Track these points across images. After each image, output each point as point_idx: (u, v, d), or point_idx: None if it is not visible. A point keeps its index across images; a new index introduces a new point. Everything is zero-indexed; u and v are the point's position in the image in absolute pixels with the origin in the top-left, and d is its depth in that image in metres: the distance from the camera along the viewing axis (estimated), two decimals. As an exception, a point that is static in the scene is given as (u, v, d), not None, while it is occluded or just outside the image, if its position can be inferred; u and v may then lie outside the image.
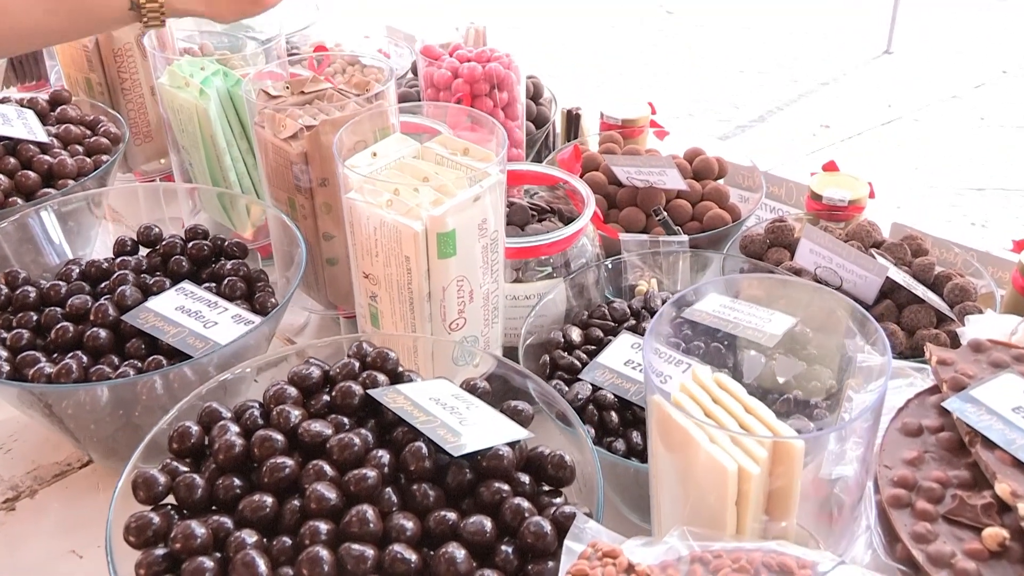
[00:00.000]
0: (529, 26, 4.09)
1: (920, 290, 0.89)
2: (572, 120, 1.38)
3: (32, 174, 0.96)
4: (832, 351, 0.73)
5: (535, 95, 1.35)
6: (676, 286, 0.95)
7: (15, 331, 0.80)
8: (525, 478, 0.60)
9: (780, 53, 3.90)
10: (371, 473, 0.57)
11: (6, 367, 0.76)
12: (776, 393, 0.74)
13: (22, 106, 1.06)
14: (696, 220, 1.11)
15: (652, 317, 0.89)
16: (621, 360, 0.82)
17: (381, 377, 0.65)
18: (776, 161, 2.85)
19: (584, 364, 0.83)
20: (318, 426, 0.60)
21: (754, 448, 0.52)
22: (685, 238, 0.96)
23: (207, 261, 0.88)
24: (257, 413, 0.63)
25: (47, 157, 0.98)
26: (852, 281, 0.91)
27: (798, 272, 0.95)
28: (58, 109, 1.08)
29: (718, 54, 3.91)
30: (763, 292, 0.80)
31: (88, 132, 1.06)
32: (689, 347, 0.78)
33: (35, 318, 0.81)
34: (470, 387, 0.67)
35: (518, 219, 0.95)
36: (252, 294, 0.85)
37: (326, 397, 0.64)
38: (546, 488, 0.63)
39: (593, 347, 0.86)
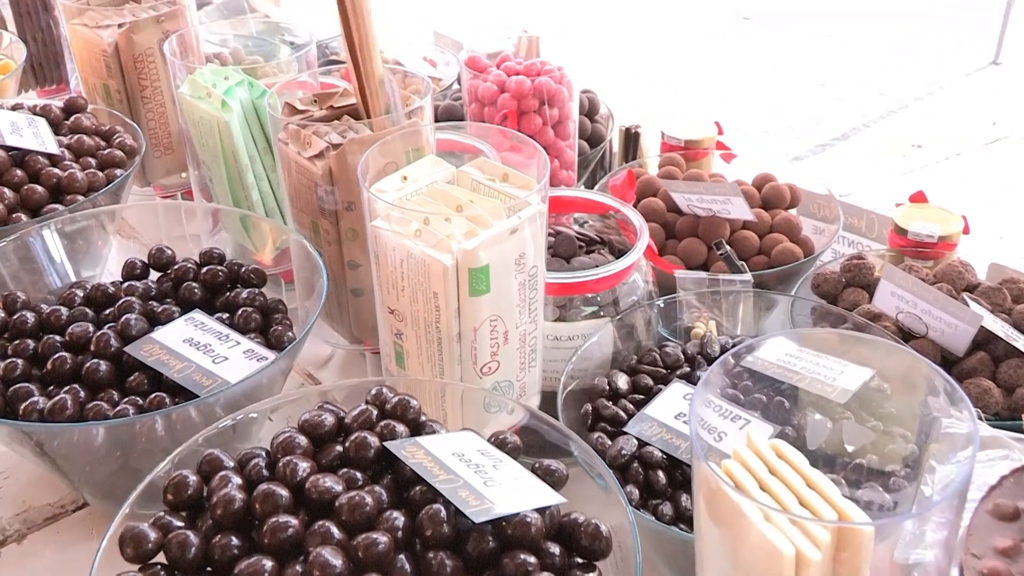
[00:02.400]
0: (587, 34, 4.10)
1: (1021, 342, 0.85)
2: (630, 139, 1.37)
3: (39, 188, 0.98)
4: (913, 411, 0.70)
5: (590, 111, 1.34)
6: (737, 329, 0.93)
7: (9, 360, 0.80)
8: (555, 549, 0.59)
9: (867, 63, 3.84)
10: (382, 538, 0.55)
11: (-3, 400, 0.77)
12: (846, 458, 0.72)
13: (35, 114, 1.08)
14: (763, 254, 1.08)
15: (709, 364, 0.87)
16: (672, 412, 0.80)
17: (400, 428, 0.64)
18: (860, 184, 2.80)
19: (630, 415, 0.81)
20: (327, 481, 0.59)
21: (816, 530, 0.49)
22: (749, 277, 0.94)
23: (221, 288, 0.88)
24: (263, 463, 0.62)
25: (56, 170, 1.00)
26: (940, 330, 0.88)
27: (877, 317, 0.92)
28: (72, 118, 1.09)
29: (797, 65, 3.87)
30: (836, 338, 0.77)
31: (102, 143, 1.07)
32: (748, 400, 0.76)
33: (32, 346, 0.82)
34: (499, 442, 0.65)
35: (564, 250, 0.93)
36: (268, 326, 0.85)
37: (339, 448, 0.63)
38: (579, 561, 0.61)
39: (641, 396, 0.84)
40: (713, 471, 0.52)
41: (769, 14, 4.43)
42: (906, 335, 0.90)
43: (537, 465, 0.64)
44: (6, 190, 0.96)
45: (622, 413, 0.81)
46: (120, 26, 1.11)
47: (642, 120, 1.40)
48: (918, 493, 0.61)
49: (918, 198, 1.07)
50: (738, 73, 3.81)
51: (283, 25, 1.41)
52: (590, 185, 1.33)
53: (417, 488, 0.60)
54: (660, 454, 0.76)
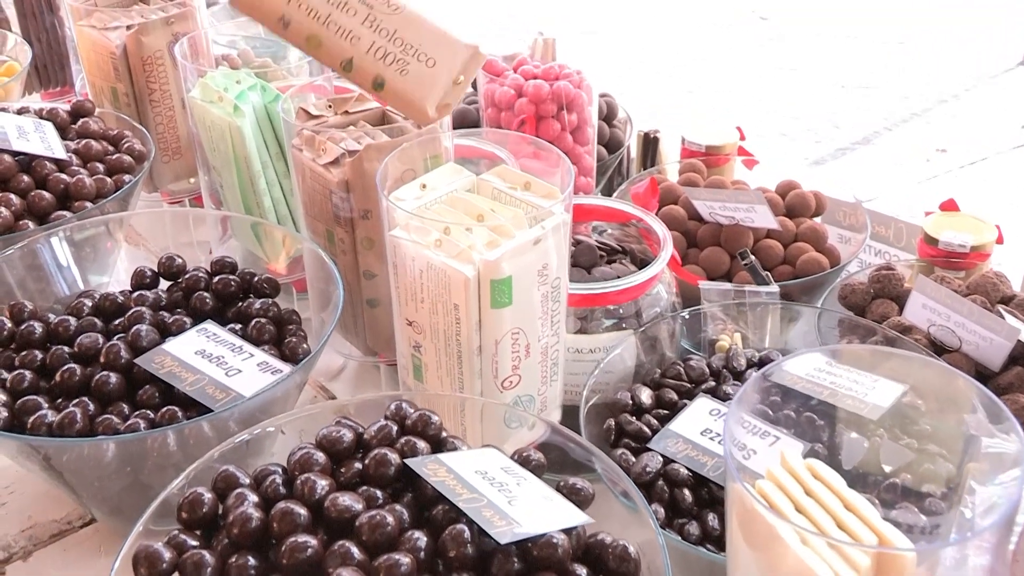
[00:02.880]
0: (602, 35, 4.10)
1: (1058, 357, 0.85)
2: (649, 145, 1.36)
3: (47, 194, 0.98)
4: (951, 428, 0.69)
5: (608, 116, 1.34)
6: (763, 342, 0.93)
7: (17, 372, 0.80)
8: (582, 571, 0.58)
9: (888, 65, 3.83)
10: (404, 559, 0.55)
11: (4, 413, 0.77)
12: (879, 476, 0.71)
13: (41, 117, 1.08)
14: (788, 264, 1.08)
15: (735, 379, 0.86)
16: (697, 428, 0.80)
17: (421, 444, 0.64)
18: (881, 190, 2.78)
19: (655, 431, 0.81)
20: (347, 500, 0.59)
21: (855, 555, 0.49)
22: (776, 289, 0.93)
23: (234, 298, 0.88)
24: (280, 480, 0.62)
25: (64, 176, 1.00)
26: (974, 343, 0.88)
27: (907, 330, 0.91)
28: (80, 122, 1.10)
29: (816, 66, 3.86)
30: (866, 352, 0.77)
31: (110, 148, 1.08)
32: (777, 416, 0.75)
33: (40, 357, 0.82)
34: (523, 459, 0.65)
35: (585, 261, 0.93)
36: (282, 338, 0.85)
37: (358, 465, 0.63)
38: (606, 583, 0.60)
39: (666, 412, 0.83)
40: (748, 492, 0.52)
41: (787, 15, 4.42)
42: (938, 349, 0.89)
43: (562, 483, 0.64)
44: (12, 197, 0.96)
45: (646, 429, 0.81)
46: (129, 28, 1.12)
47: (661, 125, 1.40)
48: (958, 515, 0.61)
49: (949, 206, 1.07)
50: (755, 75, 3.80)
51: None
52: (607, 192, 1.33)
53: (439, 507, 0.60)
54: (686, 472, 0.76)
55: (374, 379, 1.07)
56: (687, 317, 0.91)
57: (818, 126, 3.36)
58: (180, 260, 0.92)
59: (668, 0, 4.61)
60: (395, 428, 0.65)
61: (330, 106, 0.90)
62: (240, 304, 0.88)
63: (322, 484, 0.60)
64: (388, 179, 0.76)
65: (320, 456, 0.63)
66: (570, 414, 0.85)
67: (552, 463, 0.68)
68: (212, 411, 0.73)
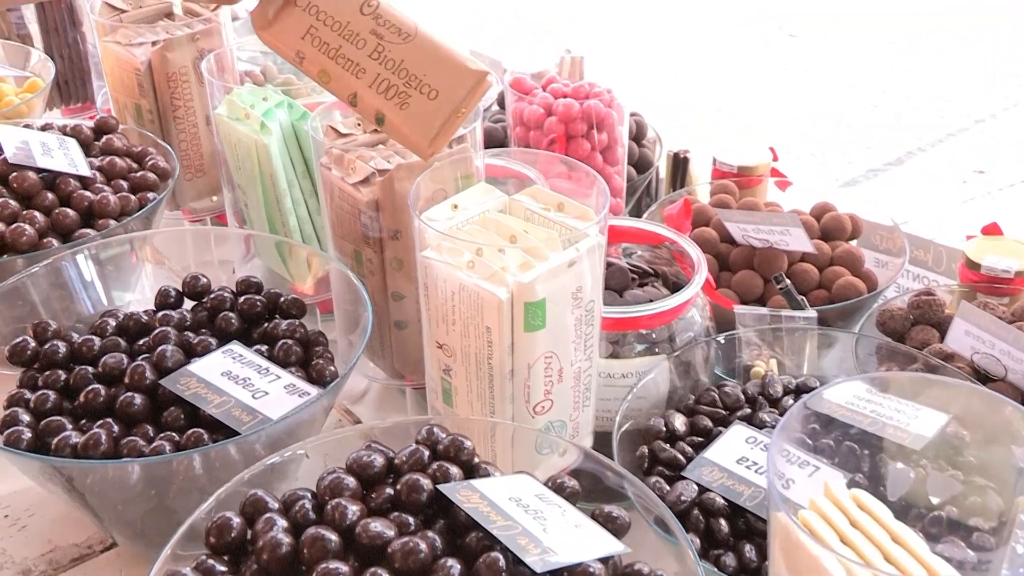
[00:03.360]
0: (627, 52, 4.11)
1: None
2: (679, 165, 1.37)
3: (71, 212, 0.99)
4: (999, 460, 0.69)
5: (638, 135, 1.34)
6: (799, 368, 0.93)
7: (40, 392, 0.81)
8: (619, 602, 0.58)
9: (923, 84, 3.83)
10: (438, 588, 0.55)
11: (28, 434, 0.77)
12: (923, 509, 0.71)
13: (65, 134, 1.09)
14: (823, 288, 1.08)
15: (770, 406, 0.86)
16: (733, 457, 0.80)
17: (454, 470, 0.64)
18: (915, 213, 2.78)
19: (689, 459, 0.81)
20: (379, 525, 0.59)
21: (904, 589, 0.49)
22: (813, 314, 0.93)
23: (259, 319, 0.89)
24: (309, 506, 0.63)
25: (88, 193, 1.01)
26: (1020, 372, 0.87)
27: (949, 357, 0.91)
28: (103, 139, 1.11)
29: (846, 84, 3.86)
30: (906, 380, 0.77)
31: (134, 165, 1.09)
32: (816, 445, 0.75)
33: (64, 377, 0.83)
34: (557, 486, 0.65)
35: (616, 283, 0.94)
36: (309, 360, 0.85)
37: (389, 490, 0.63)
38: (644, 615, 0.60)
39: (700, 439, 0.83)
40: (792, 523, 0.52)
41: (814, 32, 4.42)
42: (982, 378, 0.89)
43: (597, 511, 0.64)
44: (37, 214, 0.97)
45: (680, 456, 0.81)
46: (154, 44, 1.13)
47: (690, 144, 1.41)
48: (1009, 551, 0.60)
49: (991, 230, 1.06)
50: (782, 94, 3.80)
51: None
52: (635, 213, 1.33)
53: (473, 534, 0.60)
54: (722, 501, 0.76)
55: (397, 402, 1.07)
56: (722, 342, 0.91)
57: (848, 147, 3.35)
58: (205, 280, 0.92)
59: (689, 17, 4.62)
60: (427, 453, 0.65)
61: (359, 124, 0.91)
62: (266, 325, 0.88)
63: (353, 509, 0.61)
64: (420, 199, 0.77)
65: (351, 481, 0.63)
66: (600, 440, 0.85)
67: (583, 490, 0.69)
68: (239, 434, 0.74)
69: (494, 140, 1.30)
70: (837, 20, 4.52)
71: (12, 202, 0.97)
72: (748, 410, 0.86)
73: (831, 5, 4.69)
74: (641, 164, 1.33)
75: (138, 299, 1.01)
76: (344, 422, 0.99)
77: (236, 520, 0.62)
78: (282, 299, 0.90)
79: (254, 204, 1.03)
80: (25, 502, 0.90)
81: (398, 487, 0.63)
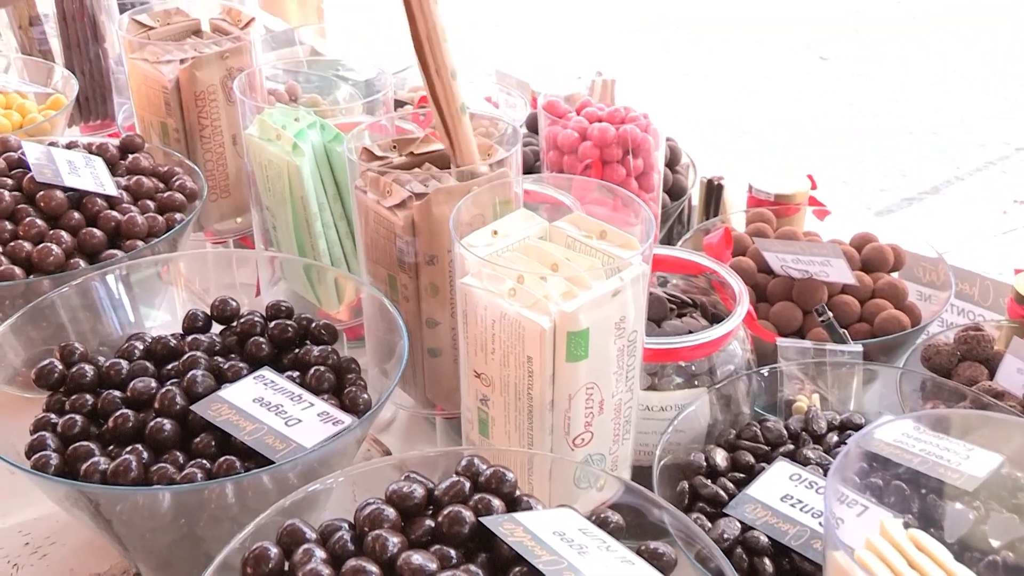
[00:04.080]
0: (655, 75, 4.14)
1: None
2: (713, 192, 1.38)
3: (98, 232, 1.01)
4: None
5: (671, 161, 1.36)
6: (843, 404, 0.93)
7: (68, 416, 0.82)
8: (667, 642, 0.59)
9: (961, 109, 3.84)
10: (483, 623, 0.56)
11: (56, 459, 0.79)
12: (977, 552, 0.71)
13: (90, 152, 1.11)
14: (865, 322, 1.08)
15: (814, 442, 0.87)
16: (777, 494, 0.80)
17: (496, 502, 0.65)
18: (953, 243, 2.78)
19: (731, 495, 0.81)
20: (421, 558, 0.60)
21: (966, 632, 0.49)
22: (859, 348, 0.94)
23: (290, 345, 0.90)
24: (347, 537, 0.64)
25: (115, 213, 1.03)
26: (1073, 412, 0.88)
27: (1000, 395, 0.92)
28: (129, 158, 1.13)
29: (881, 110, 3.87)
30: (955, 418, 0.77)
31: (161, 185, 1.11)
32: (865, 483, 0.76)
33: (91, 401, 0.84)
34: (600, 520, 0.66)
35: (655, 314, 0.95)
36: (341, 387, 0.86)
37: (429, 522, 0.64)
38: (691, 656, 0.61)
39: (742, 475, 0.84)
40: (849, 563, 0.53)
41: (847, 55, 4.45)
42: (1034, 416, 0.90)
43: (643, 548, 0.64)
44: (63, 234, 0.99)
45: (722, 493, 0.81)
46: (182, 62, 1.15)
47: (725, 171, 1.42)
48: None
49: (1041, 265, 1.07)
50: (814, 119, 3.82)
51: (336, 60, 1.44)
52: (666, 241, 1.34)
53: (517, 569, 0.61)
54: (766, 540, 0.77)
55: (424, 431, 1.08)
56: (765, 375, 0.92)
57: (883, 174, 3.36)
58: (234, 303, 0.94)
59: (720, 41, 4.65)
60: (468, 485, 0.66)
61: (394, 147, 0.92)
62: (297, 351, 0.90)
63: (394, 541, 0.61)
64: (460, 224, 0.78)
65: (390, 512, 0.64)
66: (637, 475, 0.85)
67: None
68: (272, 462, 0.75)
69: (524, 165, 1.31)
70: (869, 43, 4.54)
71: (39, 221, 0.99)
72: (791, 446, 0.86)
73: (863, 27, 4.71)
74: (675, 191, 1.35)
75: (164, 322, 1.03)
76: (373, 451, 1.00)
77: (274, 550, 0.63)
78: (313, 324, 0.92)
79: (283, 226, 1.05)
80: (46, 529, 0.91)
81: (439, 519, 0.64)
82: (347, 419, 0.80)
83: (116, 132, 1.49)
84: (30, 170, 1.03)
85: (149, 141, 1.20)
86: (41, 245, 0.97)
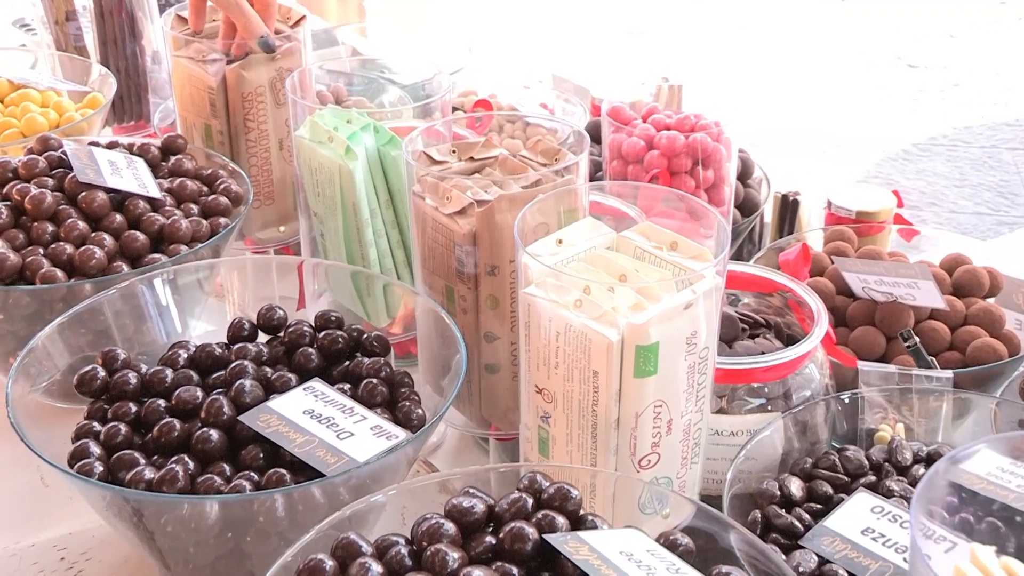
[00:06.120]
0: (726, 81, 4.16)
1: None
2: (788, 208, 1.41)
3: (140, 236, 1.06)
4: None
5: (743, 174, 1.38)
6: (934, 436, 0.95)
7: (111, 424, 0.87)
8: (738, 668, 0.62)
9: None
10: (547, 641, 0.60)
11: (100, 467, 0.83)
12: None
13: (132, 153, 1.17)
14: (956, 350, 1.10)
15: (898, 474, 0.90)
16: (857, 527, 0.83)
17: (560, 520, 0.69)
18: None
19: (807, 527, 0.84)
20: (481, 574, 0.64)
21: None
22: (948, 374, 0.97)
23: (340, 356, 0.94)
24: (404, 551, 0.67)
25: (158, 216, 1.08)
26: None
27: (1101, 430, 0.94)
28: (172, 160, 1.18)
29: (977, 124, 3.87)
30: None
31: (205, 189, 1.16)
32: (954, 519, 0.78)
33: (134, 409, 0.89)
34: (669, 543, 0.69)
35: (726, 334, 0.98)
36: (394, 402, 0.91)
37: (490, 539, 0.68)
38: None
39: (819, 506, 0.87)
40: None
41: (941, 63, 4.44)
42: None
43: (716, 573, 0.68)
44: (106, 236, 1.04)
45: (798, 524, 0.84)
46: (229, 61, 1.20)
47: (801, 186, 1.45)
48: None
49: None
50: (900, 131, 3.82)
51: (383, 61, 1.49)
52: (738, 259, 1.37)
53: (582, 588, 0.64)
54: (844, 574, 0.79)
55: (474, 456, 1.12)
56: (847, 401, 0.95)
57: (980, 195, 3.36)
58: (281, 312, 0.98)
59: (801, 45, 4.67)
60: (531, 501, 0.70)
61: (454, 151, 0.97)
62: (347, 363, 0.94)
63: (454, 556, 0.65)
64: (525, 232, 0.82)
65: (450, 527, 0.68)
66: (708, 504, 0.88)
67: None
68: (324, 475, 0.79)
69: (595, 182, 1.35)
70: (960, 50, 4.53)
71: (81, 223, 1.05)
72: (873, 477, 0.89)
73: (951, 37, 4.70)
74: (747, 206, 1.37)
75: (204, 332, 1.07)
76: (422, 473, 1.04)
77: (329, 563, 0.67)
78: (364, 336, 0.96)
79: (331, 233, 1.09)
80: (82, 545, 0.95)
81: (501, 535, 0.67)
82: (401, 434, 0.84)
83: (152, 133, 1.54)
84: (71, 170, 1.08)
85: (191, 143, 1.25)
86: (83, 247, 1.03)
